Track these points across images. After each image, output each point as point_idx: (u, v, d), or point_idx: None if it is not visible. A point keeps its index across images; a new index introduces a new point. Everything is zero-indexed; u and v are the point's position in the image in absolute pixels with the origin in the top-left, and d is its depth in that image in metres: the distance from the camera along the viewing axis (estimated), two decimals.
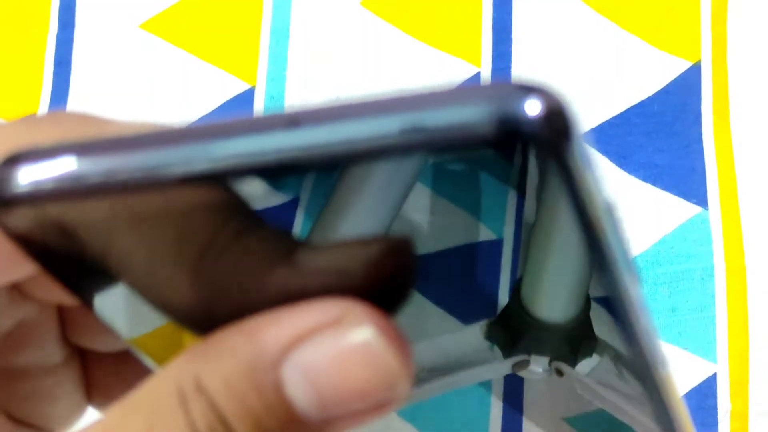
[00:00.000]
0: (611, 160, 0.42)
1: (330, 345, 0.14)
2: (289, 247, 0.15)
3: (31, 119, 0.18)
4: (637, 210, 0.42)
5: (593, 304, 0.19)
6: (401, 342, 0.14)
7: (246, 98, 0.44)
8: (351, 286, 0.14)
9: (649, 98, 0.43)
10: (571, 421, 0.19)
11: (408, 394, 0.15)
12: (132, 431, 0.14)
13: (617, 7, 0.44)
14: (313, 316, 0.14)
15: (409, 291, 0.15)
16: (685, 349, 0.40)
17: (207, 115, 0.44)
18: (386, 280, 0.15)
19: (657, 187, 0.42)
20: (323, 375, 0.14)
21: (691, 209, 0.41)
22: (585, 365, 0.21)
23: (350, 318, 0.14)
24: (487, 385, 0.19)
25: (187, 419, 0.14)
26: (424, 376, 0.19)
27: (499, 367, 0.19)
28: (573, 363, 0.19)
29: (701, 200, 0.41)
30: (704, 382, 0.39)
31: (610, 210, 0.15)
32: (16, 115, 0.44)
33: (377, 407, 0.14)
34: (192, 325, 0.16)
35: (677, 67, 0.43)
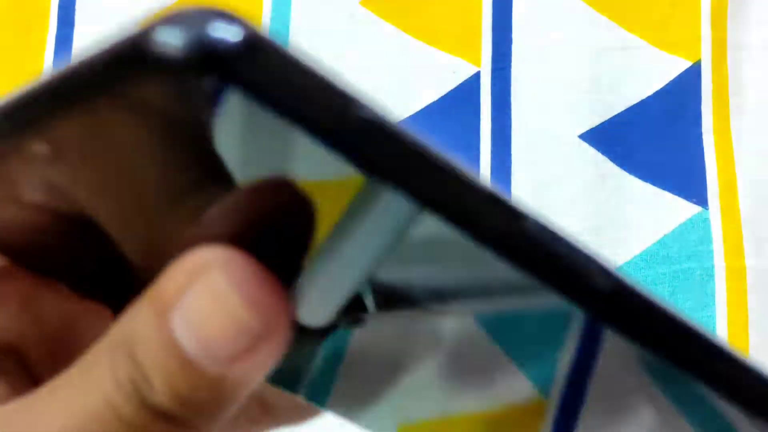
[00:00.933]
0: (611, 160, 0.42)
1: (197, 290, 0.15)
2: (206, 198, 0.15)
3: None
4: (637, 210, 0.42)
5: None
6: (265, 294, 0.14)
7: None
8: (242, 235, 0.14)
9: (649, 97, 0.43)
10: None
11: (282, 339, 0.15)
12: (73, 374, 0.16)
13: (618, 6, 0.44)
14: (191, 262, 0.15)
15: (303, 245, 0.14)
16: None
17: None
18: (271, 226, 0.14)
19: (657, 186, 0.42)
20: (200, 324, 0.15)
21: (691, 209, 0.41)
22: None
23: (220, 261, 0.14)
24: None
25: (111, 365, 0.15)
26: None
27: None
28: None
29: (701, 200, 0.41)
30: None
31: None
32: None
33: (245, 353, 0.15)
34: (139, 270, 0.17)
35: (677, 66, 0.43)
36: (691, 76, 0.43)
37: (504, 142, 0.43)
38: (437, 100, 0.44)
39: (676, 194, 0.42)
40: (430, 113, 0.44)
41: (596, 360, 0.16)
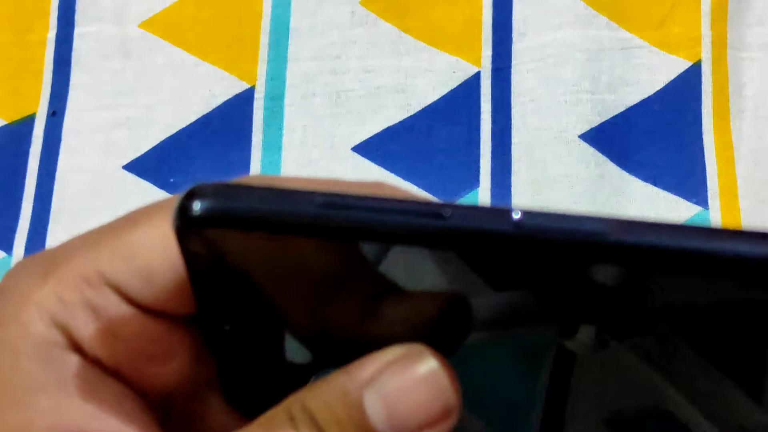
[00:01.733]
0: (611, 160, 0.42)
1: (401, 376, 0.18)
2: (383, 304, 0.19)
3: None
4: (637, 210, 0.41)
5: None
6: (455, 377, 0.18)
7: (246, 98, 0.44)
8: (419, 335, 0.18)
9: (649, 98, 0.43)
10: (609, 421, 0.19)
11: (456, 416, 0.18)
12: None
13: (618, 6, 0.44)
14: (390, 354, 0.18)
15: (462, 339, 0.18)
16: None
17: (207, 114, 0.44)
18: (445, 329, 0.18)
19: (657, 186, 0.41)
20: (395, 400, 0.18)
21: (691, 209, 0.41)
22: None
23: (418, 355, 0.18)
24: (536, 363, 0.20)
25: (294, 429, 0.18)
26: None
27: (545, 332, 0.20)
28: (621, 336, 0.19)
29: (701, 200, 0.41)
30: None
31: None
32: (17, 113, 0.45)
33: (434, 424, 0.18)
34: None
35: (677, 66, 0.43)
36: (691, 77, 0.43)
37: (504, 143, 0.43)
38: (437, 100, 0.44)
39: (676, 194, 0.41)
40: (430, 113, 0.44)
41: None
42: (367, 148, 0.43)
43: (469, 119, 0.43)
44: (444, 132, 0.43)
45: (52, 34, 0.45)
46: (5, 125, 0.44)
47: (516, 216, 0.17)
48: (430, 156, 0.43)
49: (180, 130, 0.43)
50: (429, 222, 0.17)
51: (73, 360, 0.18)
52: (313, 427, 0.18)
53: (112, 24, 0.46)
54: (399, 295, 0.19)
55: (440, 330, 0.19)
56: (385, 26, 0.45)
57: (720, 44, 0.43)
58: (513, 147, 0.42)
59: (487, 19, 0.45)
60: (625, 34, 0.44)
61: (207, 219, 0.17)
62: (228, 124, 0.43)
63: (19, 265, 0.19)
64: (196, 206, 0.17)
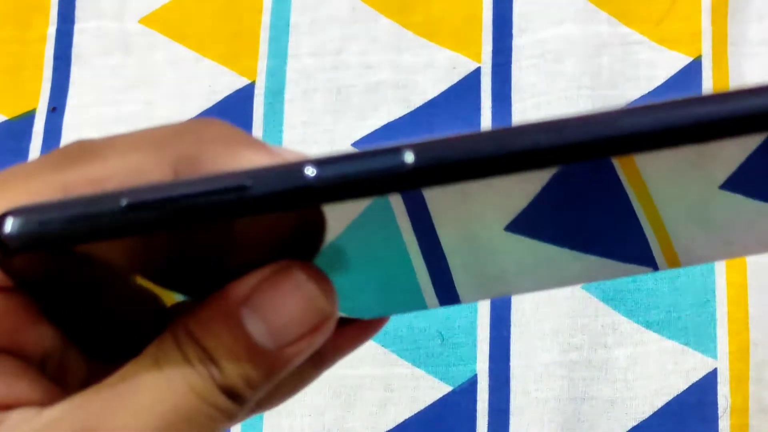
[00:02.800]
0: None
1: (273, 291, 0.18)
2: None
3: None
4: None
5: None
6: (324, 282, 0.19)
7: (246, 93, 0.44)
8: (286, 253, 0.19)
9: (650, 93, 0.43)
10: None
11: (334, 320, 0.19)
12: (142, 366, 0.18)
13: (617, 1, 0.45)
14: (260, 273, 0.18)
15: (318, 246, 0.19)
16: (686, 344, 0.40)
17: (208, 110, 0.44)
18: (301, 240, 0.19)
19: None
20: (269, 312, 0.18)
21: None
22: None
23: (285, 269, 0.18)
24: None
25: (182, 355, 0.18)
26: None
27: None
28: None
29: None
30: (705, 377, 0.39)
31: None
32: (17, 109, 0.45)
33: (313, 330, 0.18)
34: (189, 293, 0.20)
35: (677, 62, 0.43)
36: (692, 72, 0.43)
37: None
38: (437, 96, 0.44)
39: None
40: (431, 109, 0.44)
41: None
42: (367, 143, 0.43)
43: (470, 115, 0.43)
44: (444, 128, 0.43)
45: (52, 30, 0.46)
46: (5, 121, 0.44)
47: (310, 173, 0.17)
48: None
49: None
50: (230, 197, 0.17)
51: None
52: (199, 349, 0.18)
53: (112, 20, 0.46)
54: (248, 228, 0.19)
55: (297, 243, 0.19)
56: (386, 22, 0.45)
57: (720, 40, 0.43)
58: None
59: (488, 15, 0.45)
60: (625, 29, 0.44)
61: (21, 246, 0.17)
62: (228, 120, 0.43)
63: None
64: (4, 232, 0.17)
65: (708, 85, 0.43)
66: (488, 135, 0.17)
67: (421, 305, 0.22)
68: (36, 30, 0.46)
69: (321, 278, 0.19)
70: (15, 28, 0.46)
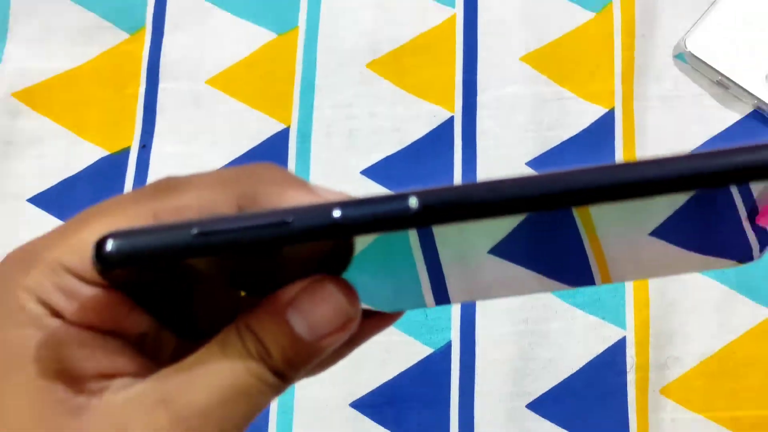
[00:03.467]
0: None
1: (311, 296, 0.18)
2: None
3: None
4: None
5: None
6: (350, 292, 0.19)
7: (283, 136, 0.44)
8: (323, 266, 0.19)
9: (576, 135, 0.43)
10: None
11: (357, 321, 0.19)
12: (211, 352, 0.18)
13: (554, 68, 0.44)
14: (302, 283, 0.18)
15: (347, 261, 0.19)
16: (603, 319, 0.40)
17: (254, 147, 0.44)
18: (333, 260, 0.19)
19: None
20: (308, 313, 0.18)
21: None
22: None
23: (320, 282, 0.18)
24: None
25: (244, 346, 0.18)
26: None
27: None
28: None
29: None
30: (616, 343, 0.40)
31: None
32: (116, 146, 0.45)
33: (341, 327, 0.18)
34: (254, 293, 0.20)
35: (598, 112, 0.43)
36: (607, 120, 0.43)
37: (471, 168, 0.43)
38: (422, 137, 0.44)
39: None
40: (418, 147, 0.44)
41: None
42: (371, 172, 0.43)
43: (446, 152, 0.43)
44: (427, 161, 0.43)
45: (142, 89, 0.45)
46: (108, 155, 0.44)
47: (337, 214, 0.17)
48: (417, 178, 0.43)
49: (234, 159, 0.43)
50: (275, 230, 0.17)
51: (56, 323, 0.18)
52: (255, 339, 0.18)
53: (186, 82, 0.45)
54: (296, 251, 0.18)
55: (332, 259, 0.19)
56: (385, 83, 0.45)
57: (628, 96, 0.43)
58: (477, 172, 0.43)
59: (459, 79, 0.44)
60: (559, 88, 0.44)
61: (117, 262, 0.17)
62: (269, 156, 0.43)
63: (7, 258, 0.19)
64: (105, 250, 0.17)
65: (619, 129, 0.43)
66: (475, 187, 0.16)
67: (422, 304, 0.21)
68: (131, 89, 0.45)
69: (347, 289, 0.19)
70: (116, 88, 0.46)
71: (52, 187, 0.43)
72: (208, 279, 0.19)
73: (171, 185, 0.19)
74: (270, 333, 0.18)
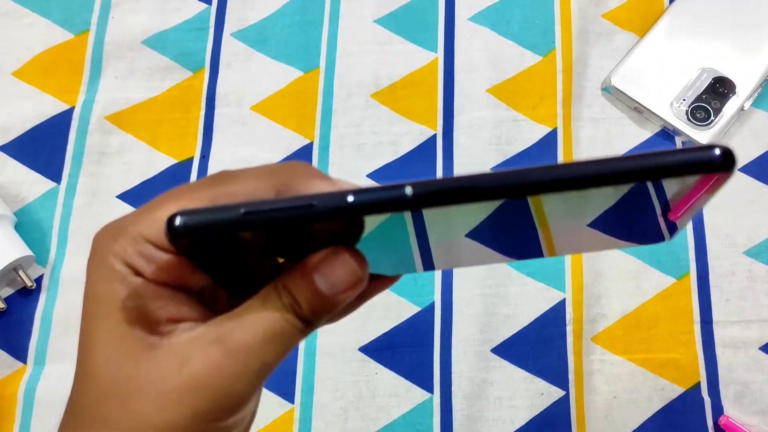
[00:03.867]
0: None
1: (330, 262, 0.18)
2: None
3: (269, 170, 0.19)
4: None
5: None
6: (361, 259, 0.18)
7: (307, 148, 0.44)
8: (338, 240, 0.18)
9: (528, 148, 0.43)
10: None
11: (365, 281, 0.18)
12: (255, 304, 0.18)
13: (511, 97, 0.45)
14: (324, 252, 0.18)
15: (360, 235, 0.18)
16: (548, 284, 0.41)
17: (285, 157, 0.44)
18: (348, 235, 0.18)
19: None
20: (328, 275, 0.18)
21: None
22: None
23: (337, 251, 0.18)
24: None
25: (280, 300, 0.18)
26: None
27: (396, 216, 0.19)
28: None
29: None
30: (558, 303, 0.40)
31: None
32: (182, 156, 0.45)
33: (353, 285, 0.18)
34: (291, 259, 0.19)
35: (544, 131, 0.44)
36: (551, 136, 0.44)
37: (449, 172, 0.43)
38: (412, 149, 0.44)
39: None
40: (409, 156, 0.44)
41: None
42: (374, 176, 0.44)
43: (430, 160, 0.44)
44: (416, 166, 0.44)
45: (202, 113, 0.46)
46: (177, 163, 0.45)
47: (351, 198, 0.16)
48: (408, 179, 0.38)
49: None
50: (303, 211, 0.16)
51: (138, 280, 0.18)
52: (288, 295, 0.18)
53: (235, 107, 0.46)
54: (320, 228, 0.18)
55: (347, 236, 0.18)
56: (385, 109, 0.45)
57: (567, 118, 0.44)
58: (455, 175, 0.41)
59: (440, 105, 0.45)
60: (515, 113, 0.44)
61: (181, 233, 0.17)
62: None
63: (101, 231, 0.19)
64: (174, 224, 0.17)
65: (560, 143, 0.43)
66: (454, 179, 0.16)
67: (413, 270, 0.21)
68: (194, 113, 0.46)
69: (359, 257, 0.18)
70: (182, 112, 0.46)
71: (134, 187, 0.44)
72: (253, 248, 0.18)
73: (225, 176, 0.19)
74: (300, 290, 0.18)
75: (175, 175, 0.44)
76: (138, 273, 0.18)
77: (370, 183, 0.43)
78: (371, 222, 0.17)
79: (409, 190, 0.16)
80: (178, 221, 0.17)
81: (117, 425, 0.17)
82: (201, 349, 0.18)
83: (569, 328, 0.40)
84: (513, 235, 0.20)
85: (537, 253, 0.20)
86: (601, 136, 0.43)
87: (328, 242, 0.18)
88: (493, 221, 0.18)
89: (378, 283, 0.21)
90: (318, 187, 0.18)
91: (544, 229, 0.19)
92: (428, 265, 0.20)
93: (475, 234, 0.19)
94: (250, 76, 0.46)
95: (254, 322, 0.18)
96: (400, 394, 0.39)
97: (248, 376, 0.18)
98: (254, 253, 0.19)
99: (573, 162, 0.16)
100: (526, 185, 0.16)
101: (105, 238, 0.19)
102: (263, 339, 0.18)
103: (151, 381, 0.17)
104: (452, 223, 0.18)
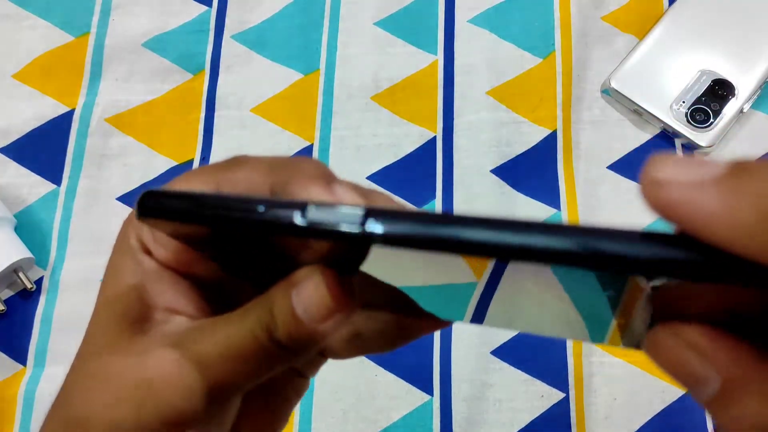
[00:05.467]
0: (508, 184, 0.42)
1: (305, 284, 0.16)
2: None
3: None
4: (520, 211, 0.41)
5: None
6: (335, 287, 0.16)
7: (308, 150, 0.44)
8: (328, 261, 0.16)
9: (528, 149, 0.44)
10: None
11: (341, 315, 0.16)
12: (235, 316, 0.16)
13: (511, 99, 0.45)
14: (305, 270, 0.16)
15: (355, 267, 0.15)
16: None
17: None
18: (341, 259, 0.16)
19: (533, 198, 0.42)
20: (303, 297, 0.16)
21: (549, 211, 0.42)
22: None
23: (311, 271, 0.16)
24: None
25: (258, 314, 0.16)
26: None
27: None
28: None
29: (556, 205, 0.42)
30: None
31: None
32: (182, 158, 0.44)
33: (325, 317, 0.16)
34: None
35: (544, 133, 0.44)
36: (551, 138, 0.44)
37: (449, 174, 0.43)
38: (412, 151, 0.44)
39: (542, 202, 0.42)
40: (409, 158, 0.44)
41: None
42: (374, 178, 0.44)
43: (430, 162, 0.44)
44: (416, 169, 0.44)
45: (202, 116, 0.46)
46: (176, 165, 0.45)
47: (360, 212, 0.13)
48: (408, 182, 0.43)
49: None
50: (245, 214, 0.14)
51: (146, 259, 0.18)
52: (268, 310, 0.16)
53: (235, 110, 0.46)
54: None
55: (339, 259, 0.16)
56: (385, 111, 0.45)
57: (567, 120, 0.44)
58: (454, 177, 0.43)
59: (440, 107, 0.45)
60: (515, 115, 0.44)
61: (143, 212, 0.15)
62: None
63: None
64: (141, 205, 0.15)
65: (560, 145, 0.43)
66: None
67: (461, 318, 0.17)
68: (194, 115, 0.46)
69: (334, 285, 0.16)
70: (182, 115, 0.46)
71: (134, 189, 0.44)
72: (269, 252, 0.17)
73: (236, 161, 0.18)
74: (278, 307, 0.16)
75: (174, 176, 0.44)
76: (147, 251, 0.18)
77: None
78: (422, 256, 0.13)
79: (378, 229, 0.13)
80: (142, 200, 0.15)
81: (76, 411, 0.17)
82: (157, 353, 0.16)
83: None
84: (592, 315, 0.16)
85: (600, 338, 0.16)
86: (601, 139, 0.44)
87: (323, 260, 0.16)
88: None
89: (427, 322, 0.18)
90: (312, 193, 0.16)
91: (621, 319, 0.15)
92: (477, 319, 0.17)
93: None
94: (250, 78, 0.46)
95: (222, 334, 0.16)
96: (399, 397, 0.39)
97: (197, 393, 0.16)
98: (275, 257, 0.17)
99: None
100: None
101: (131, 214, 0.18)
102: (225, 355, 0.16)
103: (117, 370, 0.16)
104: (537, 290, 0.15)
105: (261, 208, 0.14)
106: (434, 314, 0.17)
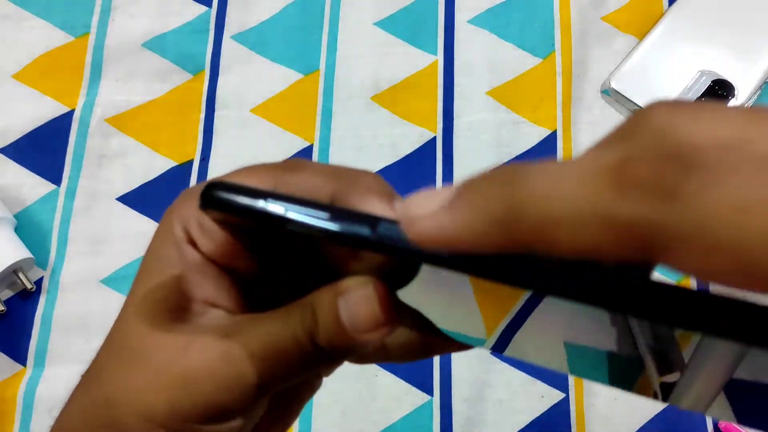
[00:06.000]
0: None
1: (355, 292, 0.16)
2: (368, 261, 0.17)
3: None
4: None
5: None
6: (385, 301, 0.16)
7: (308, 151, 0.45)
8: (376, 273, 0.16)
9: (529, 149, 0.44)
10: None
11: (387, 327, 0.16)
12: (277, 315, 0.17)
13: (511, 100, 0.45)
14: (353, 279, 0.16)
15: (404, 281, 0.16)
16: None
17: (287, 160, 0.44)
18: (389, 272, 0.16)
19: None
20: (350, 305, 0.16)
21: None
22: None
23: (364, 282, 0.16)
24: None
25: (301, 316, 0.16)
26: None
27: None
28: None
29: None
30: None
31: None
32: (182, 158, 0.44)
33: (372, 328, 0.16)
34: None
35: (543, 133, 0.45)
36: (551, 139, 0.44)
37: (449, 176, 0.44)
38: (412, 152, 0.44)
39: None
40: (409, 159, 0.44)
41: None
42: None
43: (430, 163, 0.44)
44: (417, 169, 0.44)
45: (202, 116, 0.46)
46: (176, 165, 0.45)
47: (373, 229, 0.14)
48: (408, 182, 0.43)
49: None
50: (315, 220, 0.15)
51: (189, 249, 0.18)
52: (311, 313, 0.16)
53: (235, 110, 0.46)
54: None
55: (388, 272, 0.16)
56: (384, 111, 0.45)
57: (567, 121, 0.44)
58: (454, 177, 0.44)
59: (440, 108, 0.45)
60: (514, 115, 0.45)
61: (207, 202, 0.16)
62: None
63: (183, 192, 0.18)
64: (207, 195, 0.16)
65: (560, 145, 0.44)
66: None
67: (482, 344, 0.17)
68: (194, 116, 0.46)
69: (384, 298, 0.16)
70: (182, 115, 0.46)
71: (134, 189, 0.44)
72: (303, 253, 0.17)
73: (295, 165, 0.18)
74: (322, 312, 0.16)
75: (175, 178, 0.44)
76: (191, 241, 0.18)
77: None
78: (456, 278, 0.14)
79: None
80: (209, 189, 0.16)
81: (105, 391, 0.17)
82: (202, 344, 0.16)
83: None
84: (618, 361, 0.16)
85: (628, 384, 0.16)
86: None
87: (371, 271, 0.16)
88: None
89: (449, 344, 0.18)
90: (375, 207, 0.16)
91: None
92: (499, 347, 0.17)
93: (574, 344, 0.16)
94: (250, 78, 0.46)
95: (265, 333, 0.17)
96: (400, 397, 0.39)
97: (238, 389, 0.16)
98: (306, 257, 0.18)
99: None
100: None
101: (180, 199, 0.18)
102: (266, 353, 0.16)
103: (152, 361, 0.17)
104: (563, 326, 0.15)
105: (334, 219, 0.14)
106: (457, 340, 0.18)
